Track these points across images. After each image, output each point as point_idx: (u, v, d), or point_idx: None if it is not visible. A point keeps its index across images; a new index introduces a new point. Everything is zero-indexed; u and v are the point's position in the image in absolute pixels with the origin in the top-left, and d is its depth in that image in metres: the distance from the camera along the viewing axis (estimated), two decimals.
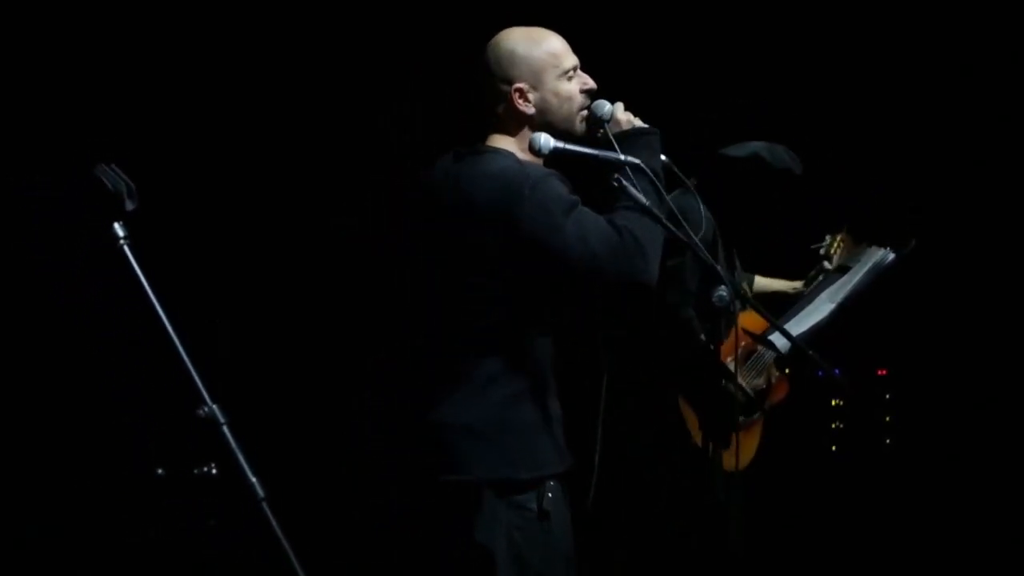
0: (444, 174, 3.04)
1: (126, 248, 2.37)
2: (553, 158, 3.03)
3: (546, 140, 2.98)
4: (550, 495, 2.95)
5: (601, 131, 3.07)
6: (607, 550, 4.37)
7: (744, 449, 4.17)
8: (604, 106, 3.07)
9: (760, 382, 4.23)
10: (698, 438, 4.00)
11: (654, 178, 3.01)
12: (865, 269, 4.19)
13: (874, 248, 4.25)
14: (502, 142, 3.06)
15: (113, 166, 2.38)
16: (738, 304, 3.58)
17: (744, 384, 4.17)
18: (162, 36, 4.75)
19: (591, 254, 2.86)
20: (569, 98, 3.07)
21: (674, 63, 5.56)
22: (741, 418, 4.16)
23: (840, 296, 4.16)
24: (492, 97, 3.06)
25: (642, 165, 3.02)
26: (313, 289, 5.09)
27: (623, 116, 3.09)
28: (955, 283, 5.73)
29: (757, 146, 4.22)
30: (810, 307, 4.15)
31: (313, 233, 5.10)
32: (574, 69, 3.09)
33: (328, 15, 5.10)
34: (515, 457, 2.93)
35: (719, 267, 3.10)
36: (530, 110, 3.05)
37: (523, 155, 3.01)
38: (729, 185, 4.19)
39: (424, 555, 3.03)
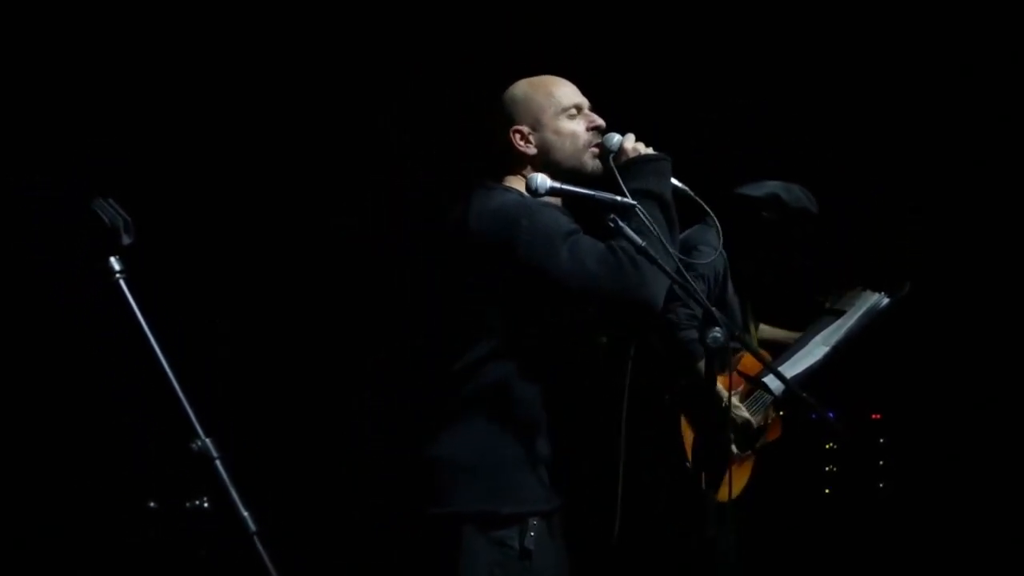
0: (455, 209, 3.09)
1: (122, 282, 2.39)
2: (571, 200, 3.08)
3: (543, 180, 3.02)
4: (532, 534, 2.96)
5: (608, 161, 3.10)
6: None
7: (734, 481, 4.17)
8: (613, 138, 3.12)
9: (759, 419, 4.23)
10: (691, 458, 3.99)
11: (660, 206, 3.02)
12: (860, 313, 4.21)
13: (868, 292, 4.27)
14: (511, 182, 3.12)
15: (111, 200, 2.39)
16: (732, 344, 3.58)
17: (745, 416, 4.15)
18: (164, 37, 4.76)
19: (588, 274, 2.88)
20: (572, 135, 3.11)
21: (673, 63, 5.56)
22: (735, 450, 4.15)
23: (834, 339, 4.18)
24: (497, 141, 3.14)
25: (637, 207, 3.02)
26: (312, 291, 5.07)
27: (631, 146, 3.11)
28: (948, 327, 5.74)
29: (774, 185, 4.24)
30: (804, 350, 4.17)
31: (313, 233, 5.09)
32: (577, 108, 3.14)
33: (328, 15, 5.12)
34: (496, 492, 2.95)
35: (714, 309, 3.10)
36: (531, 151, 3.11)
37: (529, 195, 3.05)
38: (746, 224, 4.20)
39: None
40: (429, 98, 5.17)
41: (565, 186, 3.04)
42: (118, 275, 2.39)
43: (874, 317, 4.23)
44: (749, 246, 4.23)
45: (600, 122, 3.16)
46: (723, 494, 3.82)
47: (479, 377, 2.99)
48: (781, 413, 4.39)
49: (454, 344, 3.03)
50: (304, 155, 5.11)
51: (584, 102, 3.17)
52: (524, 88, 3.16)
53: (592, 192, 3.07)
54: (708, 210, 3.17)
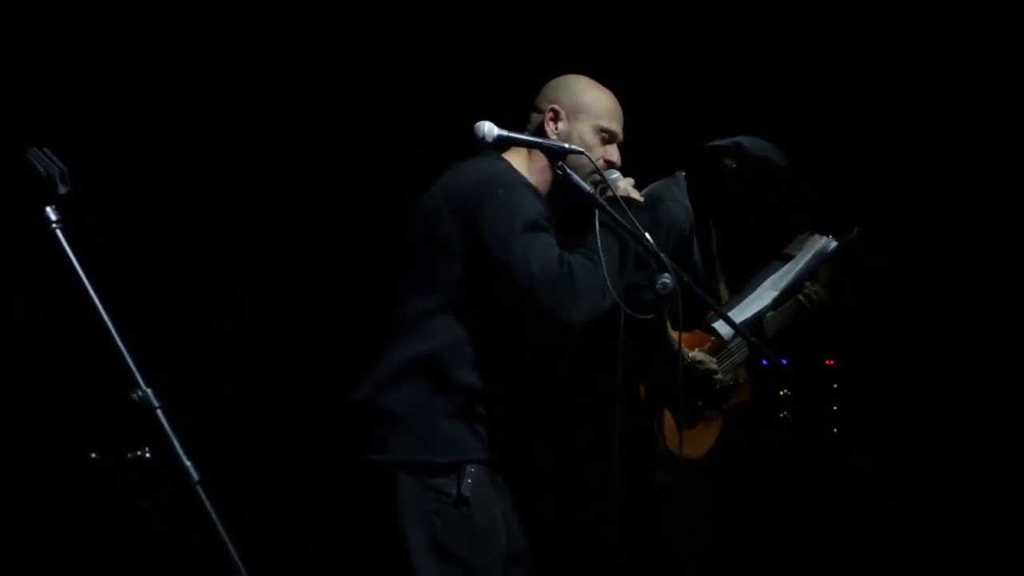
0: (452, 169, 3.18)
1: (58, 232, 2.37)
2: (557, 197, 3.13)
3: (490, 128, 3.07)
4: (469, 480, 2.98)
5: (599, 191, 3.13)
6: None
7: (700, 440, 4.18)
8: (613, 173, 3.19)
9: (727, 379, 4.23)
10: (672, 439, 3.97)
11: (620, 244, 3.06)
12: (808, 257, 4.23)
13: (817, 236, 4.28)
14: (515, 155, 3.19)
15: (46, 150, 2.37)
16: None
17: (709, 367, 4.14)
18: (165, 39, 4.78)
19: (529, 275, 2.93)
20: (590, 149, 3.18)
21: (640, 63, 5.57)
22: (701, 407, 4.15)
23: (783, 284, 4.19)
24: (533, 109, 3.26)
25: (586, 153, 3.13)
26: (253, 240, 5.05)
27: (624, 187, 3.17)
28: (901, 273, 5.77)
29: (741, 138, 4.25)
30: (754, 295, 4.18)
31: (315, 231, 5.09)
32: (612, 136, 3.24)
33: (328, 15, 5.10)
34: (432, 441, 2.98)
35: (664, 256, 3.11)
36: (553, 134, 3.19)
37: (525, 171, 3.15)
38: (711, 174, 4.20)
39: (349, 533, 3.06)
40: (427, 98, 5.15)
41: (514, 134, 3.09)
42: (55, 225, 2.38)
43: (822, 261, 4.25)
44: (714, 198, 4.23)
45: (617, 161, 3.24)
46: (674, 443, 3.84)
47: (426, 329, 3.02)
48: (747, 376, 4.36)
49: (407, 294, 3.07)
50: (304, 155, 5.10)
51: (620, 136, 3.27)
52: (585, 83, 3.28)
53: (541, 140, 3.12)
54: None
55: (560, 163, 3.10)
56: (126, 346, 2.34)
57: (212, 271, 4.91)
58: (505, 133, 3.06)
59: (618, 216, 3.04)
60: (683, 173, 4.14)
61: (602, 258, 2.97)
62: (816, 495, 5.71)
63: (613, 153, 3.24)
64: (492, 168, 3.09)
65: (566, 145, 3.13)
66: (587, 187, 3.08)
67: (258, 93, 5.00)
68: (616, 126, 3.25)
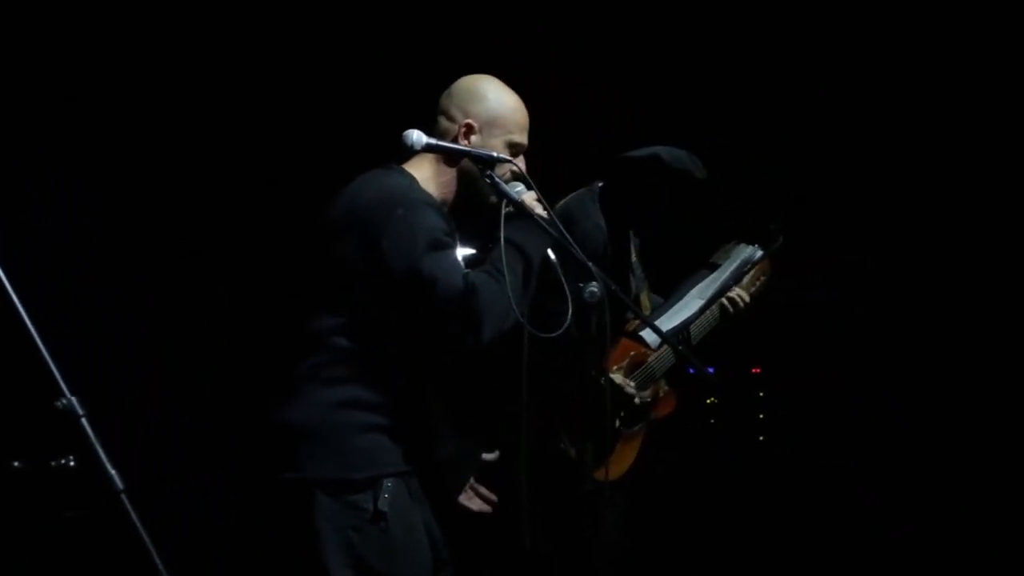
0: (351, 184, 3.13)
1: None
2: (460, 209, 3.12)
3: (418, 136, 3.05)
4: (386, 495, 2.97)
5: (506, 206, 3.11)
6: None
7: (621, 459, 4.16)
8: (517, 186, 3.15)
9: (647, 394, 4.23)
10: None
11: (523, 261, 3.06)
12: (734, 266, 4.25)
13: (743, 245, 4.30)
14: (419, 165, 3.15)
15: None
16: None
17: (624, 384, 4.12)
18: (168, 39, 4.79)
19: (434, 298, 2.92)
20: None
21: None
22: (620, 427, 4.14)
23: (709, 292, 4.21)
24: (443, 115, 3.21)
25: (513, 162, 3.14)
26: (181, 249, 5.02)
27: (528, 201, 3.13)
28: (826, 281, 5.86)
29: (659, 148, 4.23)
30: (680, 303, 4.19)
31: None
32: (519, 148, 3.22)
33: (327, 15, 5.07)
34: (346, 457, 2.97)
35: (591, 264, 3.12)
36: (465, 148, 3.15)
37: (430, 183, 3.12)
38: (628, 187, 4.19)
39: (268, 553, 3.05)
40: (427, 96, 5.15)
41: (442, 143, 3.09)
42: None
43: (747, 270, 4.27)
44: (633, 210, 4.22)
45: (522, 171, 3.21)
46: (600, 473, 3.83)
47: (333, 345, 3.01)
48: (669, 388, 4.35)
49: (312, 311, 3.07)
50: (302, 154, 5.07)
51: (525, 145, 3.24)
52: (496, 93, 3.22)
53: (470, 149, 3.12)
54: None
55: (488, 172, 3.10)
56: (50, 353, 2.31)
57: (138, 276, 4.87)
58: (434, 142, 3.06)
59: (548, 227, 3.06)
60: (600, 184, 4.18)
61: (506, 276, 2.98)
62: (742, 502, 5.77)
63: (521, 166, 3.23)
64: (393, 185, 3.06)
65: (495, 154, 3.12)
66: (515, 195, 3.09)
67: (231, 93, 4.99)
68: (526, 138, 3.24)
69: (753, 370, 5.92)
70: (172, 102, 4.93)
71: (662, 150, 4.19)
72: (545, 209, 3.14)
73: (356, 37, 5.17)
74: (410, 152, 3.05)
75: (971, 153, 5.69)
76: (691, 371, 4.37)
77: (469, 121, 3.17)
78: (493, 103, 3.20)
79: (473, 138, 3.16)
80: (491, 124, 3.18)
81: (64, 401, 2.31)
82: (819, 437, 5.83)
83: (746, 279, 4.28)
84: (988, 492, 5.56)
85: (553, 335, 3.02)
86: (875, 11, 5.63)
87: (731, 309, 4.25)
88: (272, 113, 5.13)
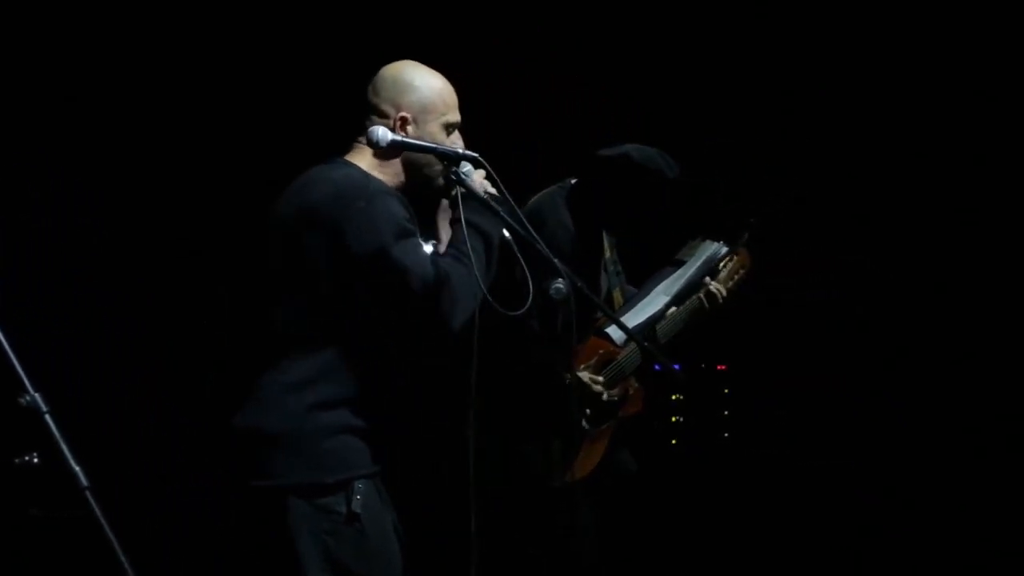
0: (297, 182, 3.09)
1: None
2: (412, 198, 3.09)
3: (383, 133, 3.05)
4: (358, 497, 2.96)
5: (455, 190, 3.11)
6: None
7: (588, 458, 4.15)
8: (466, 166, 3.13)
9: (616, 392, 4.22)
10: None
11: (484, 241, 3.07)
12: (700, 263, 4.26)
13: (708, 242, 4.32)
14: (361, 157, 3.11)
15: None
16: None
17: (592, 382, 4.11)
18: (168, 39, 4.78)
19: (407, 288, 2.92)
20: (440, 145, 3.12)
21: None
22: (587, 425, 4.13)
23: (675, 289, 4.22)
24: (375, 115, 3.13)
25: (479, 158, 3.10)
26: (148, 246, 5.00)
27: (479, 181, 3.13)
28: (826, 281, 5.89)
29: (630, 147, 4.23)
30: (646, 300, 4.21)
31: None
32: (454, 126, 3.18)
33: (327, 15, 5.06)
34: (317, 460, 2.95)
35: (557, 260, 3.12)
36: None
37: (376, 173, 3.08)
38: (599, 184, 4.19)
39: (242, 557, 3.03)
40: None
41: (407, 139, 3.07)
42: None
43: (718, 265, 4.29)
44: (604, 207, 4.23)
45: (462, 149, 3.17)
46: (569, 475, 3.84)
47: (299, 347, 2.99)
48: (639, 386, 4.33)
49: (276, 313, 3.04)
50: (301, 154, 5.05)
51: (459, 121, 3.21)
52: (421, 79, 3.16)
53: (434, 145, 3.10)
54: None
55: (454, 168, 3.09)
56: (13, 350, 2.30)
57: (105, 273, 4.84)
58: (399, 138, 3.06)
59: (512, 223, 3.06)
60: (572, 180, 4.18)
61: (471, 258, 2.99)
62: (708, 500, 5.78)
63: (460, 142, 3.19)
64: (345, 178, 3.03)
65: (460, 150, 3.12)
66: (481, 192, 3.09)
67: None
68: (456, 115, 3.20)
69: (719, 367, 5.93)
70: (172, 102, 4.90)
71: (632, 148, 4.20)
72: (496, 186, 3.14)
73: (356, 37, 5.14)
74: (380, 149, 3.04)
75: (971, 153, 5.73)
76: (657, 368, 4.36)
77: (403, 114, 3.11)
78: (422, 90, 3.15)
79: (410, 128, 3.11)
80: (424, 111, 3.13)
81: (28, 397, 2.29)
82: (819, 437, 5.84)
83: (723, 273, 4.29)
84: (988, 492, 5.59)
85: (518, 312, 3.03)
86: (875, 11, 5.66)
87: (707, 304, 4.25)
88: (272, 113, 5.10)
